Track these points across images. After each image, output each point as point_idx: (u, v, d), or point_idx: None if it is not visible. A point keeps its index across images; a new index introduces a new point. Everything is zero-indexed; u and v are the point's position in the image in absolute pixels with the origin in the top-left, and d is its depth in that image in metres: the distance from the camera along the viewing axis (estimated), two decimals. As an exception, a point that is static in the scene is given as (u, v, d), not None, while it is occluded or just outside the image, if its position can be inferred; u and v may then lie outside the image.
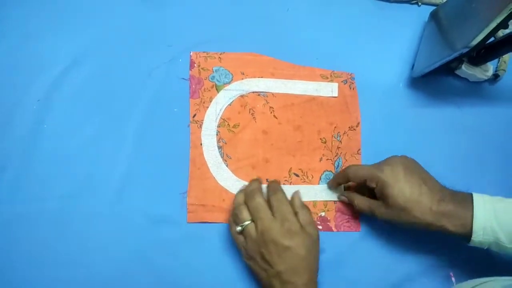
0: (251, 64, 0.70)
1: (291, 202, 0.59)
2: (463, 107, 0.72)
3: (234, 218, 0.59)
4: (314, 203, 0.65)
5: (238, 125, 0.67)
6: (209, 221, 0.63)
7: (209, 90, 0.68)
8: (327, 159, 0.67)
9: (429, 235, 0.61)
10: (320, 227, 0.64)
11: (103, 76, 0.67)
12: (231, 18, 0.72)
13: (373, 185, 0.58)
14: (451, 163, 0.69)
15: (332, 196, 0.66)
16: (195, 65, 0.69)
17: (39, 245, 0.60)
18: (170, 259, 0.61)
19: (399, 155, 0.60)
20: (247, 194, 0.59)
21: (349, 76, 0.71)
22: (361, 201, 0.61)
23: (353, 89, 0.70)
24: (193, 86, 0.68)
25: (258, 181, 0.61)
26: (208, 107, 0.68)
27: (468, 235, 0.53)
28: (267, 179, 0.65)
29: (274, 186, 0.60)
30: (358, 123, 0.69)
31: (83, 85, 0.67)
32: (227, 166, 0.65)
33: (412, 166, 0.58)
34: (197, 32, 0.71)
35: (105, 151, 0.64)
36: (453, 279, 0.62)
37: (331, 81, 0.70)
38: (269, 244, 0.54)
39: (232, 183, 0.64)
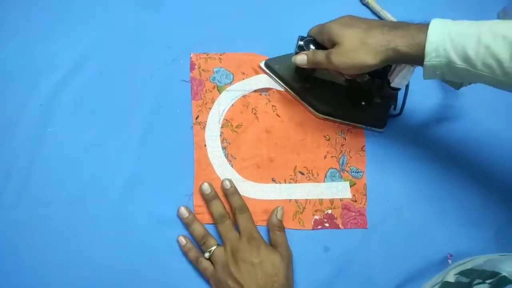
0: (252, 64, 0.70)
1: (270, 219, 0.61)
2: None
3: (201, 247, 0.60)
4: (320, 201, 0.65)
5: (241, 125, 0.67)
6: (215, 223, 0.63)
7: (211, 91, 0.68)
8: (332, 157, 0.67)
9: (435, 233, 0.62)
10: (327, 224, 0.64)
11: (105, 79, 0.68)
12: (231, 18, 0.72)
13: (322, 36, 0.59)
14: (455, 160, 0.69)
15: (338, 194, 0.65)
16: (196, 66, 0.69)
17: (46, 249, 0.60)
18: (177, 260, 0.61)
19: None
20: (216, 217, 0.60)
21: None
22: (317, 53, 0.59)
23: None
24: (195, 88, 0.68)
25: (219, 200, 0.62)
26: (210, 108, 0.68)
27: (421, 57, 0.51)
28: (272, 179, 0.65)
29: (241, 205, 0.61)
30: (362, 120, 0.69)
31: (85, 88, 0.67)
32: (232, 166, 0.65)
33: (356, 16, 0.59)
34: (197, 33, 0.71)
35: (109, 154, 0.64)
36: (449, 260, 0.62)
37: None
38: (239, 262, 0.56)
39: (237, 183, 0.64)
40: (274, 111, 0.68)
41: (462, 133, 0.70)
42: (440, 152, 0.68)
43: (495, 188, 0.67)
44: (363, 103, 0.66)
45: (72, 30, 0.69)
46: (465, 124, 0.70)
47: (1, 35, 0.68)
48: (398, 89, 0.62)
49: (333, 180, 0.66)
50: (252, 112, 0.68)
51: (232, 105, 0.68)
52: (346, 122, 0.68)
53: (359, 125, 0.68)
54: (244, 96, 0.69)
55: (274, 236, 0.60)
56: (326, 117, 0.67)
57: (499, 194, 0.66)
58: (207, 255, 0.58)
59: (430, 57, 0.50)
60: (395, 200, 0.66)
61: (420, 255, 0.64)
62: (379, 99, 0.66)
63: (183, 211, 0.61)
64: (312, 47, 0.62)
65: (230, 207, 0.62)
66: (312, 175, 0.66)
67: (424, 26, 0.51)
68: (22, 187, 0.62)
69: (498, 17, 0.73)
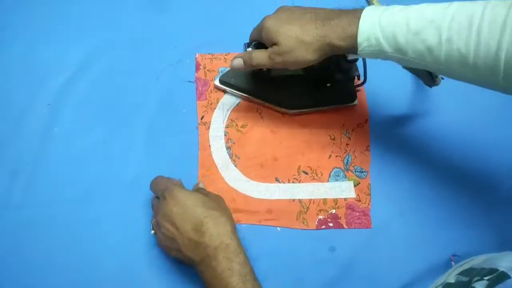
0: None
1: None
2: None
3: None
4: (324, 200, 0.65)
5: (246, 125, 0.68)
6: (220, 222, 0.63)
7: (216, 91, 0.69)
8: (336, 156, 0.67)
9: (440, 235, 0.61)
10: (331, 224, 0.64)
11: (111, 79, 0.69)
12: (235, 19, 0.73)
13: (261, 36, 0.58)
14: (460, 162, 0.68)
15: (341, 194, 0.65)
16: (201, 67, 0.70)
17: (51, 248, 0.61)
18: (180, 262, 0.61)
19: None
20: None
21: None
22: (258, 53, 0.58)
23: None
24: (200, 88, 0.69)
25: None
26: (215, 108, 0.68)
27: (356, 48, 0.51)
28: (276, 178, 0.65)
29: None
30: (367, 120, 0.69)
31: (92, 88, 0.68)
32: (235, 166, 0.66)
33: (296, 7, 0.57)
34: (202, 33, 0.72)
35: (115, 154, 0.65)
36: (452, 262, 0.61)
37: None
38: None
39: (241, 183, 0.64)
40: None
41: (467, 135, 0.69)
42: (444, 153, 0.67)
43: (500, 190, 0.66)
44: (328, 84, 0.66)
45: (79, 31, 0.71)
46: (471, 127, 0.70)
47: (9, 35, 0.70)
48: (356, 60, 0.62)
49: (337, 180, 0.66)
50: (257, 111, 0.68)
51: (237, 105, 0.69)
52: (319, 108, 0.68)
53: (331, 106, 0.68)
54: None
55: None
56: (299, 111, 0.68)
57: (504, 197, 0.66)
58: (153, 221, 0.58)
59: (363, 47, 0.51)
60: (399, 200, 0.65)
61: (424, 256, 0.63)
62: (340, 75, 0.65)
63: None
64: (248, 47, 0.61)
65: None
66: (316, 174, 0.66)
67: (356, 17, 0.51)
68: (29, 187, 0.63)
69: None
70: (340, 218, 0.64)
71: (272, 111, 0.68)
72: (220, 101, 0.68)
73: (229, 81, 0.67)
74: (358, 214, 0.64)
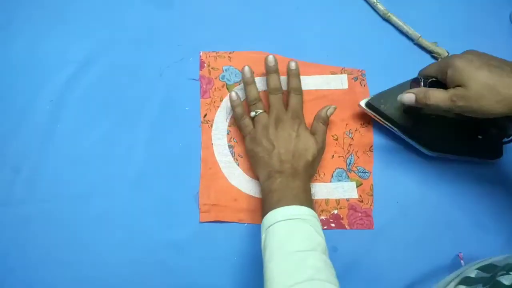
0: (261, 63, 0.69)
1: (319, 112, 0.64)
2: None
3: (249, 107, 0.64)
4: (327, 201, 0.65)
5: (249, 124, 0.67)
6: (222, 221, 0.63)
7: (220, 90, 0.69)
8: (339, 156, 0.67)
9: (443, 236, 0.61)
10: (333, 225, 0.64)
11: (114, 76, 0.69)
12: (240, 16, 0.72)
13: (445, 75, 0.54)
14: (464, 162, 0.68)
15: (344, 194, 0.65)
16: (205, 65, 0.69)
17: (52, 244, 0.61)
18: (183, 259, 0.61)
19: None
20: (271, 88, 0.64)
21: (360, 73, 0.70)
22: (437, 93, 0.54)
23: (364, 85, 0.69)
24: (204, 86, 0.69)
25: (277, 75, 0.65)
26: (219, 106, 0.68)
27: None
28: None
29: (298, 87, 0.65)
30: (370, 120, 0.68)
31: (94, 85, 0.68)
32: (238, 165, 0.65)
33: (487, 55, 0.54)
34: (206, 31, 0.71)
35: (118, 151, 0.65)
36: (462, 261, 0.61)
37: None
38: (278, 129, 0.61)
39: (243, 182, 0.64)
40: (282, 110, 0.68)
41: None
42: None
43: (505, 192, 0.66)
44: (479, 137, 0.62)
45: (82, 28, 0.71)
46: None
47: (12, 32, 0.70)
48: None
49: (339, 180, 0.66)
50: (260, 111, 0.68)
51: (241, 103, 0.69)
52: (462, 156, 0.65)
53: (475, 158, 0.65)
54: (252, 94, 0.69)
55: (317, 125, 0.63)
56: (440, 154, 0.65)
57: (510, 199, 0.66)
58: (252, 114, 0.63)
59: None
60: (402, 201, 0.65)
61: (427, 257, 0.63)
62: (496, 130, 0.62)
63: (246, 70, 0.65)
64: (423, 80, 0.58)
65: (288, 87, 0.65)
66: (319, 175, 0.66)
67: None
68: (31, 183, 0.63)
69: (510, 18, 0.72)
70: (342, 218, 0.64)
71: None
72: (223, 100, 0.68)
73: (377, 107, 0.63)
74: (360, 215, 0.64)
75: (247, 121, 0.63)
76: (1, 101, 0.67)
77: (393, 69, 0.70)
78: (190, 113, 0.67)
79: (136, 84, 0.68)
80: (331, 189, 0.65)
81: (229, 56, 0.70)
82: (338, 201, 0.65)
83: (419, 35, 0.70)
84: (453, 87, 0.53)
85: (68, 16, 0.71)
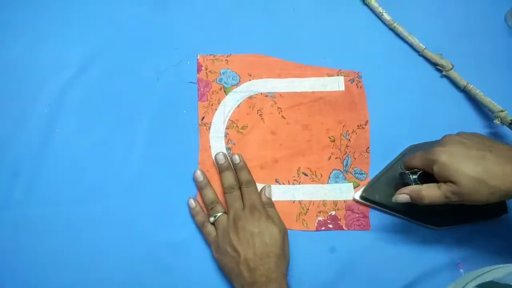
0: (258, 66, 0.70)
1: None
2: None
3: (208, 212, 0.63)
4: (324, 202, 0.65)
5: (247, 127, 0.68)
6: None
7: (217, 93, 0.69)
8: (336, 158, 0.67)
9: (442, 234, 0.61)
10: (330, 226, 0.64)
11: (112, 80, 0.69)
12: (237, 20, 0.73)
13: (431, 170, 0.54)
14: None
15: (341, 196, 0.65)
16: (203, 68, 0.70)
17: (51, 247, 0.61)
18: (180, 261, 0.62)
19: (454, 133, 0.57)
20: (225, 187, 0.62)
21: (356, 75, 0.70)
22: (431, 192, 0.54)
23: (361, 87, 0.70)
24: (201, 89, 0.69)
25: (231, 172, 0.64)
26: (216, 109, 0.68)
27: None
28: (276, 180, 0.66)
29: (248, 179, 0.63)
30: (367, 121, 0.69)
31: (93, 89, 0.68)
32: (236, 167, 0.66)
33: (469, 139, 0.54)
34: (203, 34, 0.72)
35: (115, 155, 0.66)
36: (461, 270, 0.61)
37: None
38: (239, 230, 0.58)
39: (242, 184, 0.65)
40: (279, 112, 0.69)
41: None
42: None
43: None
44: None
45: (80, 31, 0.71)
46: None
47: (10, 35, 0.70)
48: None
49: (336, 182, 0.66)
50: (257, 113, 0.69)
51: (238, 106, 0.69)
52: (469, 223, 0.64)
53: (482, 220, 0.64)
54: (250, 97, 0.69)
55: (271, 212, 0.62)
56: (448, 227, 0.64)
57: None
58: (211, 219, 0.61)
59: None
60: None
61: (424, 258, 0.63)
62: None
63: (198, 175, 0.64)
64: (412, 177, 0.58)
65: (238, 181, 0.63)
66: (316, 176, 0.66)
67: None
68: (30, 186, 0.64)
69: (505, 18, 0.73)
70: (339, 219, 0.64)
71: (273, 113, 0.69)
72: (221, 102, 0.68)
73: (372, 198, 0.64)
74: (357, 215, 0.65)
75: (208, 228, 0.61)
76: (-1, 104, 0.67)
77: (389, 70, 0.71)
78: (188, 116, 0.68)
79: (134, 88, 0.69)
80: (328, 190, 0.66)
81: (226, 59, 0.71)
82: (335, 202, 0.65)
83: (424, 47, 0.70)
84: (444, 183, 0.53)
85: (66, 20, 0.72)
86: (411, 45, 0.72)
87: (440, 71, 0.70)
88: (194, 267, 0.62)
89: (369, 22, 0.74)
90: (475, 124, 0.69)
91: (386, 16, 0.72)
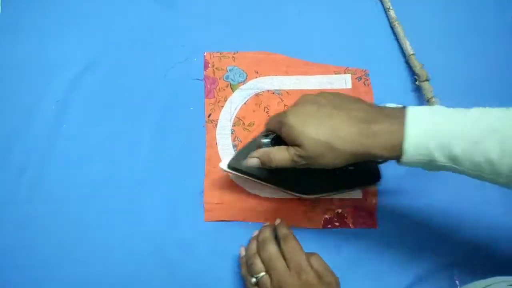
0: (265, 63, 0.70)
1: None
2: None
3: (248, 269, 0.55)
4: (331, 200, 0.65)
5: (253, 124, 0.68)
6: (226, 220, 0.64)
7: (224, 90, 0.69)
8: (343, 156, 0.67)
9: (447, 235, 0.61)
10: (337, 224, 0.64)
11: (119, 76, 0.69)
12: (244, 17, 0.73)
13: (280, 132, 0.51)
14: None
15: (349, 193, 0.65)
16: (209, 65, 0.70)
17: (57, 243, 0.62)
18: (188, 258, 0.62)
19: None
20: (259, 243, 0.55)
21: (363, 73, 0.70)
22: (278, 154, 0.50)
23: (368, 85, 0.70)
24: (208, 86, 0.69)
25: (269, 227, 0.58)
26: (223, 106, 0.68)
27: (399, 156, 0.45)
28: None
29: (285, 233, 0.56)
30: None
31: (100, 86, 0.69)
32: (242, 164, 0.66)
33: (326, 98, 0.50)
34: (210, 31, 0.72)
35: (122, 152, 0.66)
36: (457, 282, 0.61)
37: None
38: None
39: (248, 181, 0.64)
40: (286, 110, 0.69)
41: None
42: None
43: None
44: (350, 167, 0.57)
45: (87, 28, 0.71)
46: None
47: (18, 33, 0.71)
48: None
49: (343, 180, 0.66)
50: (264, 110, 0.69)
51: (245, 103, 0.69)
52: (340, 192, 0.63)
53: (354, 189, 0.64)
54: (257, 94, 0.69)
55: (316, 263, 0.53)
56: (319, 196, 0.63)
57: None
58: (253, 280, 0.54)
59: (409, 156, 0.45)
60: (406, 201, 0.65)
61: (430, 258, 0.63)
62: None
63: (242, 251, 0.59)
64: (264, 140, 0.55)
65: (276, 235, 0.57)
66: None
67: (401, 122, 0.45)
68: (37, 182, 0.64)
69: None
70: (346, 217, 0.64)
71: (279, 110, 0.68)
72: (227, 100, 0.68)
73: (238, 167, 0.59)
74: (364, 214, 0.64)
75: (252, 286, 0.54)
76: (7, 101, 0.68)
77: (397, 69, 0.71)
78: (195, 113, 0.68)
79: (141, 85, 0.69)
80: (335, 188, 0.65)
81: (233, 57, 0.71)
82: (342, 200, 0.65)
83: (412, 53, 0.69)
84: (292, 146, 0.49)
85: (73, 18, 0.72)
86: (401, 47, 0.71)
87: (415, 80, 0.69)
88: (200, 264, 0.62)
89: (377, 20, 0.73)
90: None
91: (392, 13, 0.72)
